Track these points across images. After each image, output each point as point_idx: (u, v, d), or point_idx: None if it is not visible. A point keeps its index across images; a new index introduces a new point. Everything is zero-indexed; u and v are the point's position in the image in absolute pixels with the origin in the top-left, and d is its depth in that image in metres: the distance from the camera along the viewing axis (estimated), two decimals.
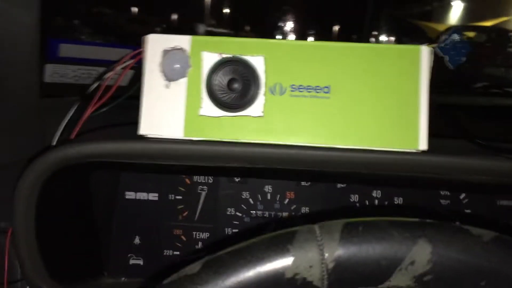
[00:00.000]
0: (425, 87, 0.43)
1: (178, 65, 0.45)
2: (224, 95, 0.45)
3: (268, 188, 0.60)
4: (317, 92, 0.44)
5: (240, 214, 0.60)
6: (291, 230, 0.27)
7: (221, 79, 0.45)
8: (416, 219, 0.27)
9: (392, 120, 0.43)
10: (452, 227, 0.27)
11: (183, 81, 0.45)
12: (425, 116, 0.43)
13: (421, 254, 0.25)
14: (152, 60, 0.46)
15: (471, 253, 0.25)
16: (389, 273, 0.26)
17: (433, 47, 0.44)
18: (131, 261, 0.60)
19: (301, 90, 0.44)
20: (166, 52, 0.46)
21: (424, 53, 0.44)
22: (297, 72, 0.45)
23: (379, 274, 0.26)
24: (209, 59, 0.45)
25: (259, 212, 0.60)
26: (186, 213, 0.60)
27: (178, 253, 0.61)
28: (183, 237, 0.61)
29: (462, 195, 0.59)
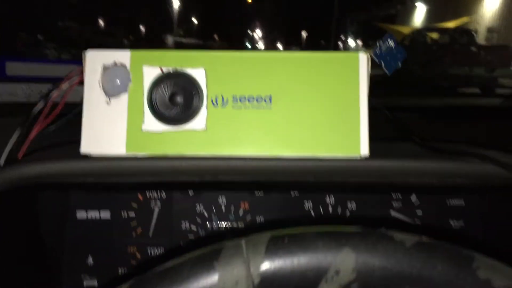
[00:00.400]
0: (365, 93, 0.44)
1: (118, 81, 0.45)
2: (167, 109, 0.45)
3: (222, 200, 0.60)
4: (259, 103, 0.44)
5: (195, 228, 0.60)
6: (218, 246, 0.27)
7: (163, 93, 0.45)
8: (342, 228, 0.27)
9: (333, 127, 0.44)
10: (376, 234, 0.27)
11: (124, 97, 0.45)
12: (365, 122, 0.44)
13: (345, 263, 0.25)
14: (91, 77, 0.45)
15: (394, 259, 0.25)
16: (315, 284, 0.26)
17: (370, 54, 0.45)
18: (85, 282, 0.59)
19: (242, 101, 0.44)
20: (105, 68, 0.45)
21: (362, 60, 0.44)
22: (239, 83, 0.45)
23: (306, 286, 0.26)
24: (150, 73, 0.45)
25: (214, 224, 0.60)
26: (140, 229, 0.59)
27: (133, 271, 0.60)
28: (137, 254, 0.60)
29: (413, 197, 0.60)
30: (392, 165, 0.45)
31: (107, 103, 0.45)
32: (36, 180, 0.46)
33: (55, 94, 0.51)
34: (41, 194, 0.54)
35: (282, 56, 0.45)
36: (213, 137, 0.44)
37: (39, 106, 0.52)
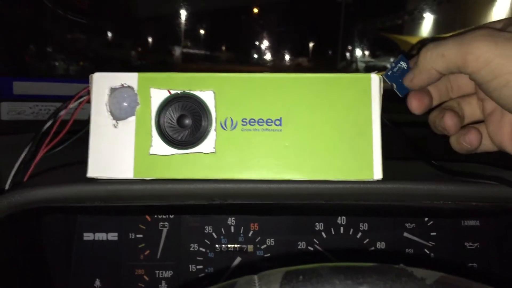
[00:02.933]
0: (377, 115, 0.43)
1: (126, 104, 0.44)
2: (175, 132, 0.44)
3: (231, 221, 0.59)
4: (269, 125, 0.43)
5: (203, 250, 0.59)
6: (230, 283, 0.26)
7: (171, 116, 0.44)
8: (359, 264, 0.26)
9: (345, 150, 0.43)
10: (395, 270, 0.26)
11: (131, 120, 0.44)
12: (378, 145, 0.43)
13: None
14: (98, 99, 0.44)
15: None
16: None
17: (381, 75, 0.44)
18: None
19: (252, 123, 0.43)
20: (112, 91, 0.44)
21: (374, 81, 0.43)
22: (248, 105, 0.44)
23: None
24: (158, 96, 0.44)
25: (223, 246, 0.59)
26: (148, 251, 0.58)
27: None
28: (145, 276, 0.59)
29: (427, 218, 0.58)
30: (406, 188, 0.43)
31: (114, 126, 0.44)
32: (42, 205, 0.45)
33: (63, 113, 0.51)
34: (47, 217, 0.53)
35: (293, 78, 0.44)
36: (222, 161, 0.43)
37: (47, 125, 0.51)
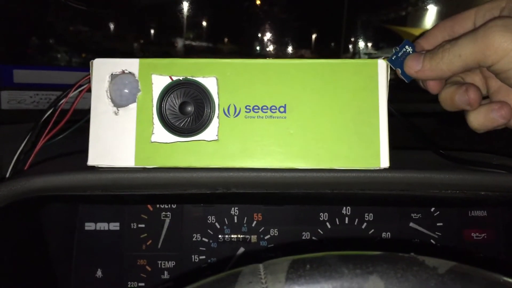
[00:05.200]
0: (384, 102, 0.42)
1: (127, 90, 0.43)
2: (177, 119, 0.43)
3: (234, 211, 0.58)
4: (273, 112, 0.42)
5: (206, 240, 0.58)
6: (235, 272, 0.25)
7: (173, 102, 0.43)
8: (368, 252, 0.25)
9: (351, 138, 0.42)
10: (406, 259, 0.25)
11: (132, 107, 0.43)
12: (385, 133, 0.42)
13: None
14: (98, 86, 0.43)
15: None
16: None
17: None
18: None
19: (256, 110, 0.42)
20: (113, 77, 0.43)
21: (381, 67, 0.42)
22: (252, 92, 0.43)
23: None
24: (159, 82, 0.43)
25: (227, 236, 0.58)
26: (150, 241, 0.58)
27: (143, 284, 0.58)
28: (147, 267, 0.58)
29: (433, 208, 0.57)
30: (414, 176, 0.42)
31: (115, 113, 0.43)
32: (42, 193, 0.44)
33: (63, 102, 0.50)
34: (48, 206, 0.52)
35: (297, 63, 0.43)
36: (225, 148, 0.42)
37: (46, 114, 0.51)
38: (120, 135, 0.43)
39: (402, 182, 0.42)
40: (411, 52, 0.42)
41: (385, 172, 0.42)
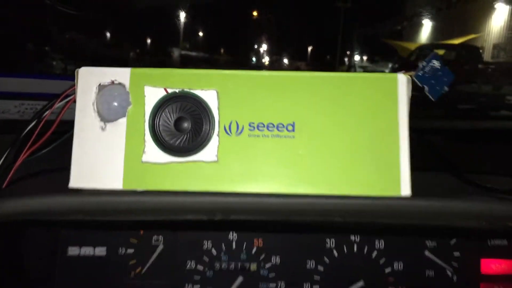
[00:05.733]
0: (405, 121, 0.37)
1: (116, 103, 0.38)
2: (172, 137, 0.38)
3: (233, 236, 0.53)
4: (280, 131, 0.38)
5: (201, 268, 0.52)
6: None
7: (168, 118, 0.38)
8: None
9: (368, 161, 0.37)
10: None
11: (122, 122, 0.38)
12: (406, 156, 0.37)
13: None
14: (84, 98, 0.39)
15: None
16: None
17: (410, 75, 0.38)
18: None
19: (261, 128, 0.38)
20: (101, 88, 0.39)
21: (402, 82, 0.38)
22: (256, 107, 0.38)
23: None
24: (153, 94, 0.38)
25: (224, 264, 0.53)
26: (139, 269, 0.52)
27: None
28: None
29: (451, 238, 0.52)
30: (438, 206, 0.38)
31: (102, 128, 0.38)
32: (18, 218, 0.39)
33: (48, 113, 0.45)
34: (28, 229, 0.47)
35: (308, 76, 0.38)
36: (226, 171, 0.38)
37: (29, 127, 0.46)
38: (107, 153, 0.38)
39: (424, 212, 0.38)
40: (439, 67, 0.37)
41: (407, 201, 0.37)
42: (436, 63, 0.37)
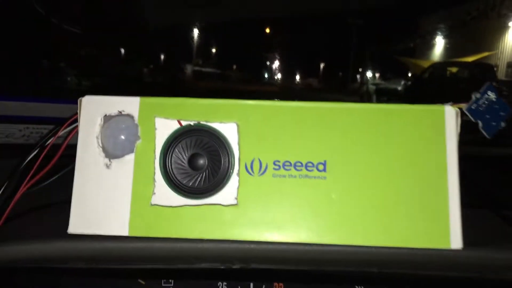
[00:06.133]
0: (454, 161, 0.32)
1: (123, 137, 0.34)
2: (185, 176, 0.33)
3: (251, 280, 0.48)
4: (309, 170, 0.33)
5: None
6: None
7: (181, 154, 0.34)
8: None
9: (411, 207, 0.32)
10: None
11: (129, 159, 0.34)
12: (456, 202, 0.32)
13: None
14: (87, 130, 0.34)
15: None
16: None
17: (459, 108, 0.33)
18: None
19: (287, 167, 0.33)
20: (106, 119, 0.34)
21: (450, 116, 0.33)
22: (282, 143, 0.33)
23: None
24: (165, 127, 0.34)
25: None
26: None
27: None
28: None
29: None
30: (490, 258, 0.33)
31: (107, 166, 0.34)
32: (15, 265, 0.35)
33: (51, 142, 0.41)
34: (23, 276, 0.43)
35: (342, 108, 0.33)
36: (247, 216, 0.33)
37: (30, 156, 0.42)
38: (112, 194, 0.33)
39: (476, 265, 0.32)
40: (494, 99, 0.32)
41: (456, 252, 0.32)
42: (491, 95, 0.33)
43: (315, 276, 0.47)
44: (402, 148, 0.33)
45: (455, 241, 0.31)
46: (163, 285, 0.48)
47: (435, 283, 0.46)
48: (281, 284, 0.48)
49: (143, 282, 0.47)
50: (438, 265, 0.32)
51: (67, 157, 0.39)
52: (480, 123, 0.33)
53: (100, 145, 0.34)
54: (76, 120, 0.38)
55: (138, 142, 0.34)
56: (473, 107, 0.33)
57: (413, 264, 0.33)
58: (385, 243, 0.32)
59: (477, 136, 0.34)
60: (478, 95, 0.33)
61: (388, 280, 0.46)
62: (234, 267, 0.35)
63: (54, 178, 0.42)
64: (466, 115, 0.33)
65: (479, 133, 0.34)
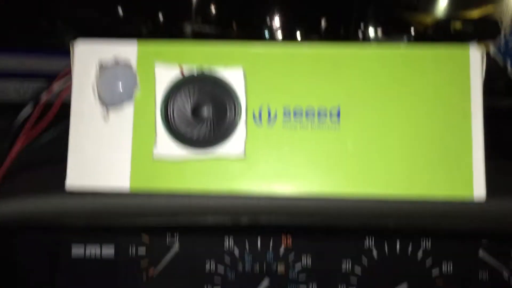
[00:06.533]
0: (478, 107, 0.30)
1: (120, 86, 0.31)
2: (188, 127, 0.31)
3: (258, 234, 0.47)
4: (322, 118, 0.31)
5: (222, 270, 0.46)
6: None
7: (184, 104, 0.31)
8: None
9: (432, 156, 0.30)
10: None
11: (128, 109, 0.31)
12: (480, 150, 0.30)
13: None
14: (81, 80, 0.32)
15: None
16: None
17: (485, 47, 0.30)
18: None
19: (298, 115, 0.31)
20: (103, 68, 0.32)
21: (474, 58, 0.30)
22: (292, 89, 0.31)
23: None
24: (166, 75, 0.31)
25: (247, 266, 0.47)
26: (152, 271, 0.46)
27: None
28: None
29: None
30: None
31: (104, 117, 0.31)
32: (13, 222, 0.33)
33: (45, 99, 0.39)
34: (22, 232, 0.41)
35: (356, 52, 0.31)
36: (256, 168, 0.31)
37: (25, 113, 0.40)
38: (111, 147, 0.31)
39: (499, 216, 0.31)
40: None
41: (478, 203, 0.30)
42: None
43: (323, 227, 0.45)
44: (423, 92, 0.30)
45: (478, 191, 0.29)
46: (167, 241, 0.47)
47: (447, 234, 0.45)
48: (289, 236, 0.46)
49: (147, 239, 0.46)
50: (458, 215, 0.31)
51: (65, 113, 0.37)
52: (509, 62, 0.30)
53: (96, 95, 0.32)
54: (67, 74, 0.35)
55: (137, 91, 0.31)
56: (501, 48, 0.30)
57: (431, 215, 0.31)
58: (404, 193, 0.30)
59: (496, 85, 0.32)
60: (507, 35, 0.30)
61: (400, 231, 0.45)
62: (242, 222, 0.34)
63: (50, 134, 0.40)
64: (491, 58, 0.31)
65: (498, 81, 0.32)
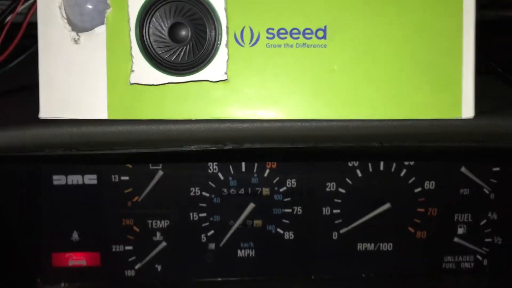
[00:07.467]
0: (471, 25, 0.29)
1: (90, 6, 0.29)
2: (166, 50, 0.29)
3: (242, 157, 0.46)
4: (307, 38, 0.29)
5: (207, 194, 0.47)
6: None
7: (160, 25, 0.29)
8: None
9: (420, 76, 0.29)
10: None
11: (100, 31, 0.29)
12: (470, 68, 0.29)
13: None
14: (48, 1, 0.29)
15: None
16: None
17: None
18: (71, 262, 0.47)
19: (282, 36, 0.29)
20: None
21: None
22: (276, 8, 0.29)
23: None
24: None
25: (232, 190, 0.47)
26: (136, 197, 0.46)
27: (131, 247, 0.48)
28: (135, 227, 0.47)
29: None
30: (502, 127, 0.31)
31: (75, 41, 0.29)
32: None
33: (10, 20, 0.36)
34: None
35: None
36: (238, 92, 0.30)
37: None
38: (85, 73, 0.29)
39: (486, 133, 0.30)
40: None
41: (468, 123, 0.30)
42: None
43: (308, 152, 0.45)
44: (412, 10, 0.29)
45: (467, 110, 0.29)
46: (151, 168, 0.46)
47: (431, 154, 0.45)
48: (274, 159, 0.46)
49: (130, 166, 0.45)
50: (445, 135, 0.30)
51: (33, 37, 0.35)
52: None
53: (65, 16, 0.29)
54: None
55: (109, 11, 0.29)
56: None
57: (418, 136, 0.31)
58: (392, 115, 0.29)
59: None
60: None
61: (386, 152, 0.45)
62: (226, 148, 0.33)
63: (18, 59, 0.38)
64: None
65: None
